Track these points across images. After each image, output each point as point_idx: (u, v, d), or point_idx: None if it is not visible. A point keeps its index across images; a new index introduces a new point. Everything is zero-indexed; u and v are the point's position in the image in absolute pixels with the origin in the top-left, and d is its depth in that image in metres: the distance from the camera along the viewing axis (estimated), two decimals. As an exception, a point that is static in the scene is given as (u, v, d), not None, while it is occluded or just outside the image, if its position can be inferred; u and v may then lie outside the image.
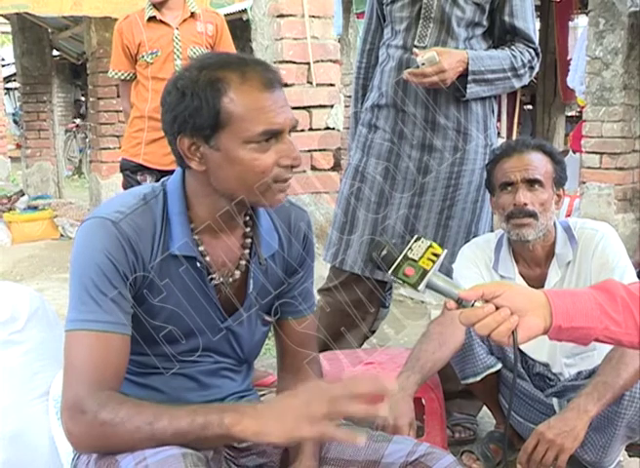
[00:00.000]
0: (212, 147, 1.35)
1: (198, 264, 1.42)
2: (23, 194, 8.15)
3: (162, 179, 1.48)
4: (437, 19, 2.49)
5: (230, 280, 1.48)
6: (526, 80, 2.60)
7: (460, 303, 1.33)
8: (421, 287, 1.34)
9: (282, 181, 1.38)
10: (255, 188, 1.36)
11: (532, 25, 2.56)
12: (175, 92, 1.35)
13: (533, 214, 2.13)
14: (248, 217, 1.50)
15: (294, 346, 1.59)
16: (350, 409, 1.16)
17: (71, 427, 1.29)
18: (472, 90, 2.48)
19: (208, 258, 1.44)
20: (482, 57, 2.47)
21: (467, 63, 2.43)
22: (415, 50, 2.44)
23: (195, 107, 1.33)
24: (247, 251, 1.49)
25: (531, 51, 2.55)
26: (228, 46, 3.39)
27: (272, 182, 1.37)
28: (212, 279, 1.45)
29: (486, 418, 2.67)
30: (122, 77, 3.39)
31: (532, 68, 2.57)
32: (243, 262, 1.49)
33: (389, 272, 1.37)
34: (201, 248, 1.43)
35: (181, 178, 1.44)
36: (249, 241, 1.50)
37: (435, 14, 2.48)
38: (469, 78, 2.45)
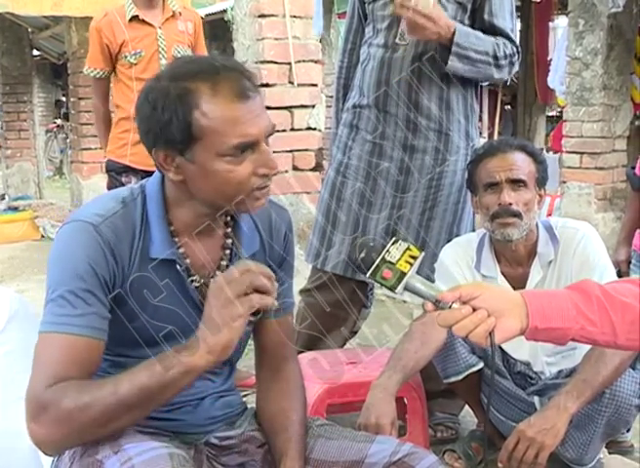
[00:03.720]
0: (187, 160, 1.34)
1: (178, 267, 1.42)
2: (4, 197, 8.09)
3: (141, 182, 1.47)
4: (419, 17, 2.48)
5: (211, 281, 1.47)
6: (505, 73, 2.54)
7: (438, 305, 1.33)
8: (399, 289, 1.34)
9: (261, 189, 1.38)
10: (233, 199, 1.35)
11: (510, 24, 2.55)
12: (146, 104, 1.33)
13: (517, 214, 2.14)
14: (229, 218, 1.49)
15: (273, 345, 1.59)
16: (252, 280, 1.26)
17: (37, 429, 1.27)
18: (453, 64, 2.41)
19: (188, 261, 1.44)
20: (469, 33, 2.43)
21: (453, 34, 2.37)
22: None
23: (166, 122, 1.30)
24: (228, 251, 1.49)
25: (512, 46, 2.53)
26: (202, 44, 3.41)
27: (251, 191, 1.36)
28: (192, 281, 1.44)
29: (468, 417, 2.67)
30: (97, 75, 3.35)
31: (512, 64, 2.54)
32: (224, 263, 1.48)
33: (367, 275, 1.37)
34: (181, 250, 1.43)
35: (161, 181, 1.43)
36: (230, 241, 1.49)
37: (417, 12, 2.47)
38: (453, 49, 2.38)
